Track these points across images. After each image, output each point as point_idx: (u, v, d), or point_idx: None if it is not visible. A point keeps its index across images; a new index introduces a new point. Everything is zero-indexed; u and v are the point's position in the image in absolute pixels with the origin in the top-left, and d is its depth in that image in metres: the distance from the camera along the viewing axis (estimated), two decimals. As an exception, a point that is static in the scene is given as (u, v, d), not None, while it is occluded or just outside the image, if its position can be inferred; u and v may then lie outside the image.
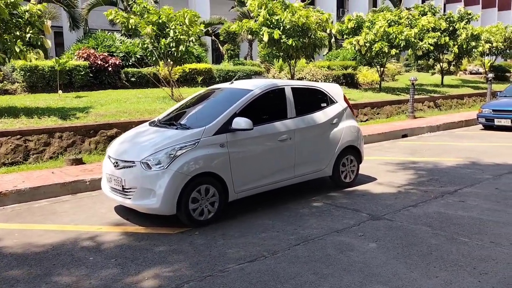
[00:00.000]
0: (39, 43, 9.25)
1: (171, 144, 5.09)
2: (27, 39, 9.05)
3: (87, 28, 19.15)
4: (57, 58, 13.74)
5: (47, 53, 15.43)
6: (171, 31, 11.00)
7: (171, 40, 11.03)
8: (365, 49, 16.02)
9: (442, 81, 21.27)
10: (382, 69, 17.79)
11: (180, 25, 11.08)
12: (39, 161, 8.07)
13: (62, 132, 8.54)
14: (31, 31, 9.07)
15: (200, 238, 4.83)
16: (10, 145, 7.90)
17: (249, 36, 15.52)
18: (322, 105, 6.59)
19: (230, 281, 3.81)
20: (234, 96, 5.77)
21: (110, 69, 14.43)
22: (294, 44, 13.12)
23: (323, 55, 25.10)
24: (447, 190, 6.65)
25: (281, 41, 13.22)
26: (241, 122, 5.29)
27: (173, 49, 11.12)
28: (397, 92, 17.39)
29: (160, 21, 11.22)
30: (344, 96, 7.00)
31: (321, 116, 6.45)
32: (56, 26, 21.39)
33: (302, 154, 6.13)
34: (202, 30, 12.07)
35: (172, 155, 4.99)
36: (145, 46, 11.50)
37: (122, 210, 5.78)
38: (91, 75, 14.03)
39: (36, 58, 9.33)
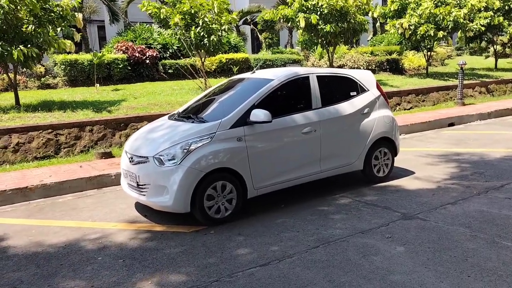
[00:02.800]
0: (70, 35, 9.39)
1: (184, 138, 4.84)
2: (58, 31, 9.18)
3: (127, 21, 19.37)
4: (95, 51, 13.94)
5: (82, 46, 15.72)
6: (200, 20, 10.75)
7: (201, 30, 10.79)
8: (409, 32, 15.12)
9: (496, 64, 19.83)
10: (429, 53, 16.78)
11: (211, 14, 10.81)
12: (70, 155, 8.12)
13: (93, 126, 8.56)
14: (62, 24, 9.17)
15: (214, 238, 4.57)
16: (42, 139, 7.99)
17: (285, 24, 15.05)
18: (352, 94, 6.11)
19: (237, 288, 3.53)
20: (254, 87, 5.43)
21: (147, 61, 14.48)
22: (332, 30, 12.56)
23: (367, 40, 24.17)
24: (493, 185, 6.02)
25: (318, 27, 12.68)
26: (259, 114, 4.95)
27: (204, 39, 10.88)
28: (446, 78, 16.36)
29: (192, 11, 11.01)
30: (377, 84, 6.48)
31: (350, 106, 5.98)
32: (98, 20, 21.91)
33: (329, 147, 5.71)
34: (235, 18, 11.74)
35: (185, 150, 4.74)
36: (177, 37, 11.35)
37: (141, 206, 5.62)
38: (129, 68, 14.12)
39: (69, 52, 9.46)
